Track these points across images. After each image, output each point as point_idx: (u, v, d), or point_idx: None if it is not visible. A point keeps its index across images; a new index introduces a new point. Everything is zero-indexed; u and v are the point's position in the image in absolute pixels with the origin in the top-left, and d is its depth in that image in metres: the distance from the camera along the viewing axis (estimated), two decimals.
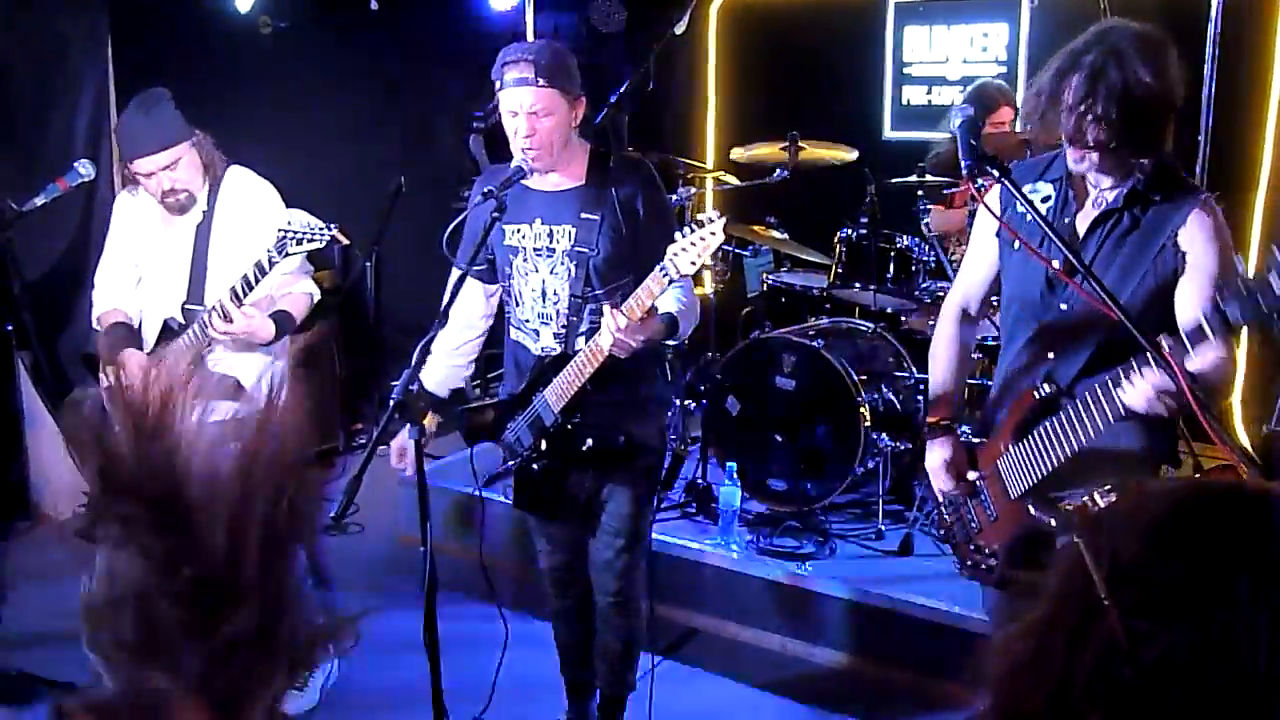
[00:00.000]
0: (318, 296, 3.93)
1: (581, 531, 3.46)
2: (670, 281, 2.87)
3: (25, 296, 5.28)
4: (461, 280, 3.04)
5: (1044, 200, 2.70)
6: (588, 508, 3.37)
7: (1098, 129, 2.44)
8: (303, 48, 6.19)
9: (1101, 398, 2.45)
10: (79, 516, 4.26)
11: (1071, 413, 2.54)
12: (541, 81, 2.97)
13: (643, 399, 3.31)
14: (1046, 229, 2.46)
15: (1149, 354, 2.29)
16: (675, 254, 2.83)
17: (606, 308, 2.94)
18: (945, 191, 4.84)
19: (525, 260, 3.22)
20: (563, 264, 3.16)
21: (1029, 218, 2.62)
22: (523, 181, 3.12)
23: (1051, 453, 2.61)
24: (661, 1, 6.43)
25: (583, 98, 3.12)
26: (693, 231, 2.82)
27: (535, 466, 3.31)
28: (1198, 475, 2.75)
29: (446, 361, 3.42)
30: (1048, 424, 2.61)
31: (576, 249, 3.12)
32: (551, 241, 3.17)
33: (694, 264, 2.84)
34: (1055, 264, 2.58)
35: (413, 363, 2.74)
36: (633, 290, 2.98)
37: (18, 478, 5.32)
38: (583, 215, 3.11)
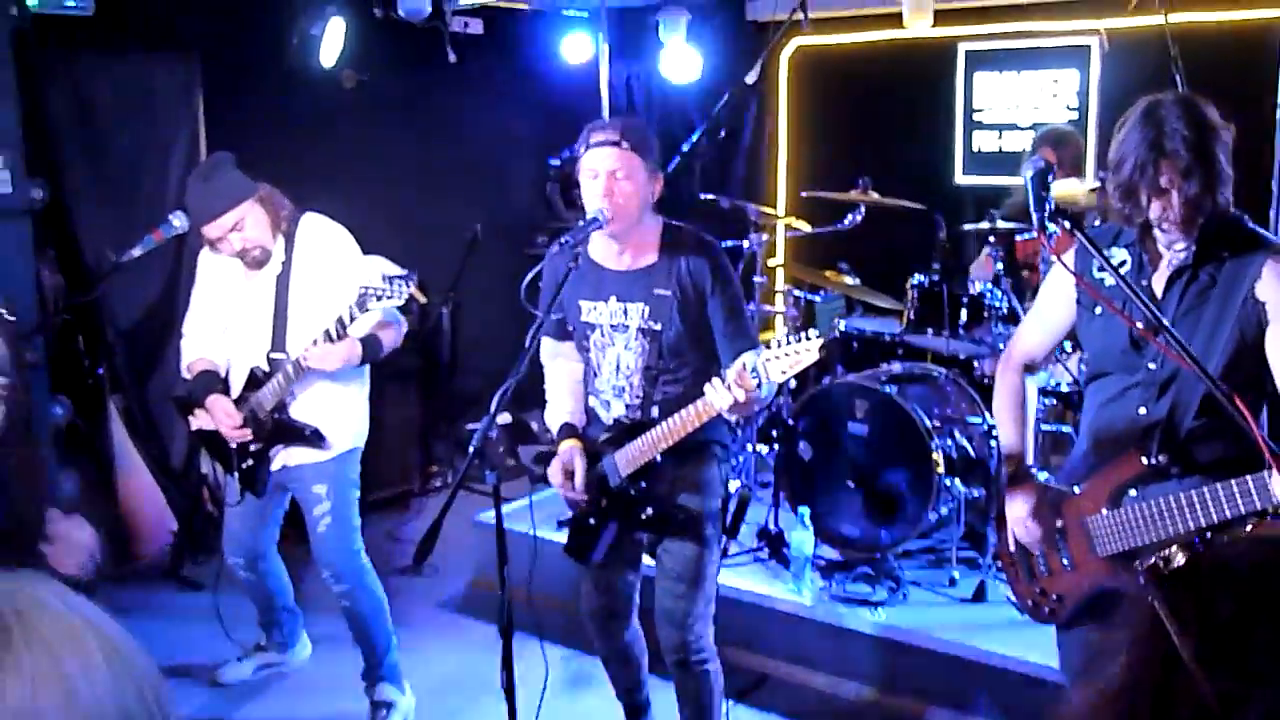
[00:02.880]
0: (406, 327, 4.02)
1: (627, 578, 3.53)
2: (759, 385, 2.93)
3: (118, 342, 5.46)
4: (539, 329, 3.10)
5: (1120, 265, 2.73)
6: (640, 556, 3.45)
7: (1181, 184, 2.51)
8: (384, 99, 6.36)
9: (1239, 498, 2.46)
10: (164, 553, 4.37)
11: (1191, 501, 2.53)
12: (625, 145, 3.07)
13: (706, 443, 3.33)
14: (1128, 289, 2.46)
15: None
16: (769, 359, 2.89)
17: (715, 380, 2.98)
18: (1017, 239, 4.82)
19: (602, 335, 3.31)
20: (635, 339, 3.26)
21: (1109, 280, 2.68)
22: (598, 262, 3.27)
23: (1157, 528, 2.61)
24: (734, 50, 6.51)
25: (661, 175, 3.21)
26: (789, 344, 2.88)
27: (591, 521, 3.38)
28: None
29: (564, 410, 3.46)
30: (1160, 501, 2.60)
31: (649, 325, 3.22)
32: (625, 318, 3.26)
33: (785, 373, 2.90)
34: (1139, 325, 2.62)
35: (491, 410, 2.80)
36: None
37: (110, 518, 5.47)
38: (655, 292, 3.20)
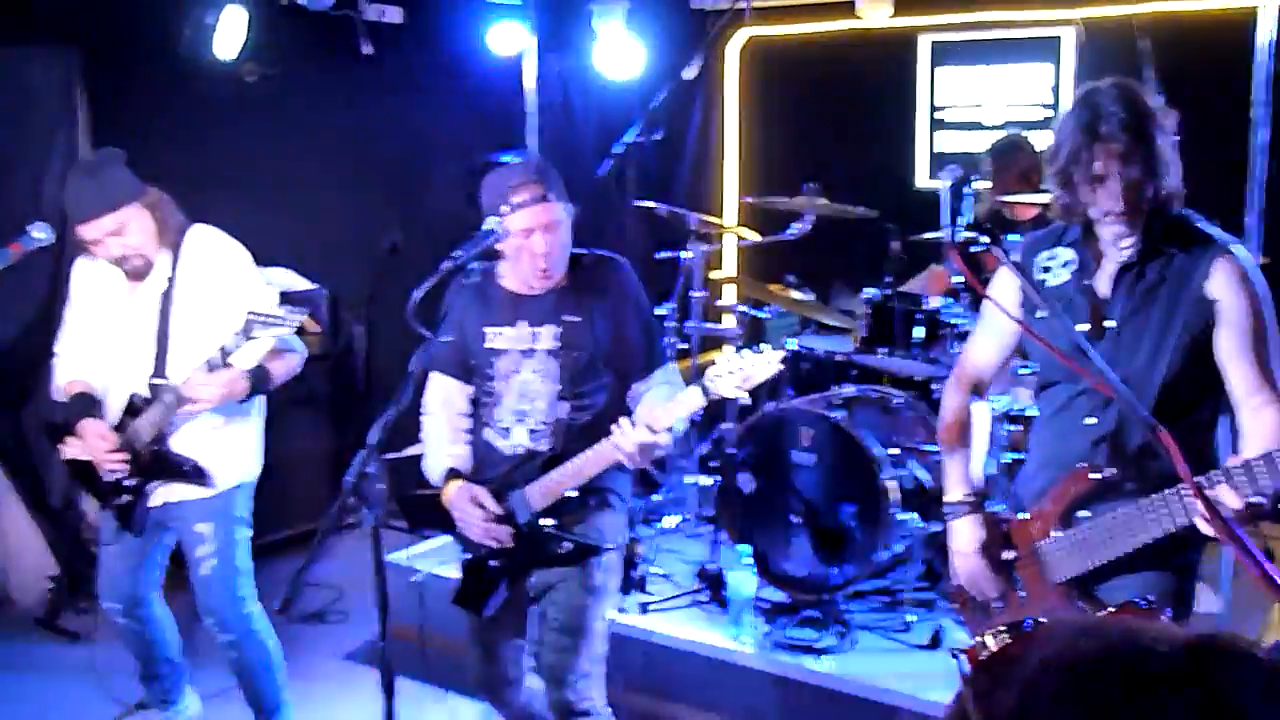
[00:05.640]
0: (304, 354, 3.96)
1: (515, 643, 3.53)
2: (708, 401, 3.00)
3: None
4: (429, 354, 3.10)
5: (1065, 265, 2.79)
6: (528, 608, 3.45)
7: (1119, 169, 2.57)
8: (291, 95, 6.27)
9: (1184, 508, 2.49)
10: (42, 602, 4.30)
11: (1141, 512, 2.57)
12: (551, 197, 3.20)
13: (603, 490, 3.38)
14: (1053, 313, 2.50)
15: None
16: (718, 375, 2.97)
17: (623, 420, 3.07)
18: (971, 250, 4.81)
19: (510, 361, 3.35)
20: (543, 364, 3.32)
21: (1051, 282, 2.77)
22: (509, 289, 3.36)
23: (1111, 546, 2.64)
24: (678, 42, 6.49)
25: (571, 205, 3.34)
26: (743, 357, 2.96)
27: (493, 563, 3.35)
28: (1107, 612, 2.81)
29: (449, 455, 3.46)
30: (1111, 517, 2.64)
31: (561, 349, 3.29)
32: (534, 342, 3.33)
33: (738, 389, 2.97)
34: (1081, 327, 2.67)
35: (369, 443, 2.77)
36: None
37: None
38: (564, 317, 3.29)
